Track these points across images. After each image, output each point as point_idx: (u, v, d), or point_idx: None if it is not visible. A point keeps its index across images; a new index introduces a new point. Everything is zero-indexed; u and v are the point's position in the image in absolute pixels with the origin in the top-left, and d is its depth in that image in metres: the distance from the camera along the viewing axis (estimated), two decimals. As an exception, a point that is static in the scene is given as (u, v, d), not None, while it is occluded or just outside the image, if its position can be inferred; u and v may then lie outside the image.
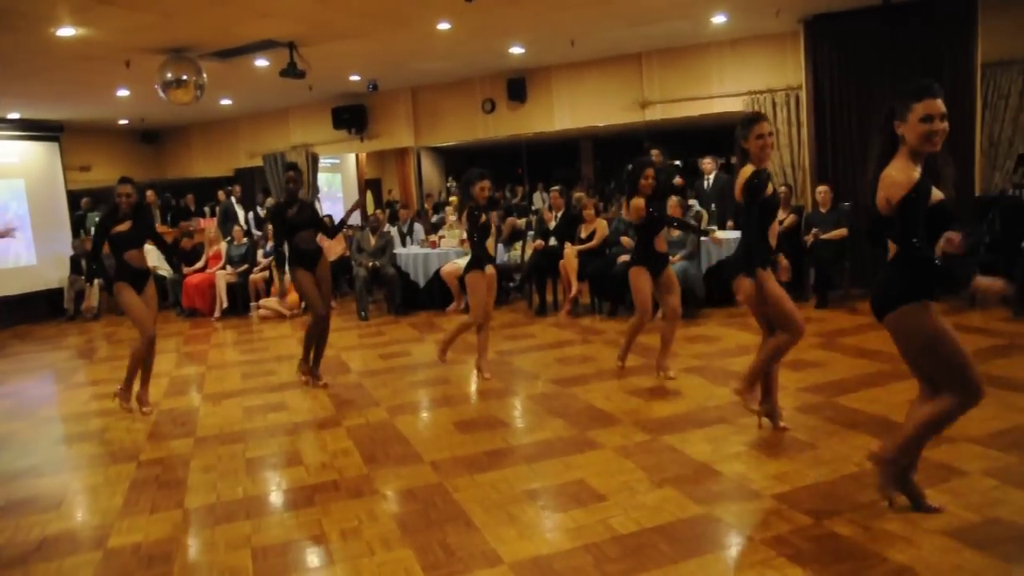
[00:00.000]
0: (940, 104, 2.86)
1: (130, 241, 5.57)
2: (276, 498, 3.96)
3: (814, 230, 8.32)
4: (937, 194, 2.91)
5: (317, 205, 13.34)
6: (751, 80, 9.90)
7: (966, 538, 2.95)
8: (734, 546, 3.10)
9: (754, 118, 4.13)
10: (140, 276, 5.63)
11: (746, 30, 9.67)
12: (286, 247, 5.95)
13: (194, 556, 3.35)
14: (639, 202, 5.43)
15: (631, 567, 2.91)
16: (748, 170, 4.06)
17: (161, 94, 8.30)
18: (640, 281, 5.59)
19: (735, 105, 10.03)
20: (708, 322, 7.70)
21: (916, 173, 2.87)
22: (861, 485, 3.50)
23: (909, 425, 3.09)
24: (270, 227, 11.02)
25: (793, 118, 9.56)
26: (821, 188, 8.50)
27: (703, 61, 10.35)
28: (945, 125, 2.87)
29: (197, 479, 4.25)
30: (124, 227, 5.54)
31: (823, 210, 8.39)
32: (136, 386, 5.70)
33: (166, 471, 4.44)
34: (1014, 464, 3.57)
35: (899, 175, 2.87)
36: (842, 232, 8.19)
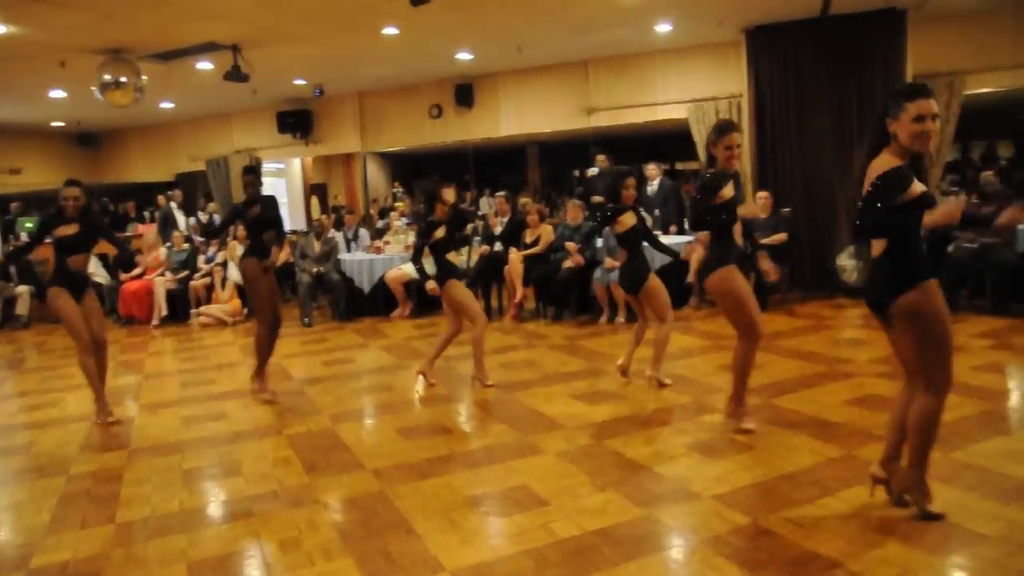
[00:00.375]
0: (933, 105, 2.95)
1: (76, 246, 5.37)
2: (214, 510, 3.86)
3: (754, 235, 8.47)
4: (919, 187, 2.99)
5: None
6: (694, 88, 10.08)
7: (891, 531, 3.04)
8: (674, 547, 3.13)
9: (726, 127, 4.23)
10: (79, 282, 5.45)
11: (690, 39, 9.84)
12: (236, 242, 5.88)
13: (125, 573, 3.24)
14: (628, 219, 5.35)
15: (572, 571, 2.92)
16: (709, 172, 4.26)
17: (98, 96, 8.08)
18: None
19: (679, 112, 10.20)
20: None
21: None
22: (797, 484, 3.58)
23: (912, 436, 3.12)
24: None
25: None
26: (761, 194, 8.68)
27: (648, 69, 10.50)
28: (936, 125, 2.96)
29: (130, 492, 4.12)
30: (70, 230, 5.34)
31: (763, 216, 8.55)
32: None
33: (98, 485, 4.30)
34: (937, 459, 3.67)
35: (882, 168, 2.98)
36: (782, 237, 8.37)
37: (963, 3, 8.68)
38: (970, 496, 3.30)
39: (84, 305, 5.43)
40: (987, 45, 9.00)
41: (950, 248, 7.30)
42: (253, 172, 6.00)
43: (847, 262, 8.77)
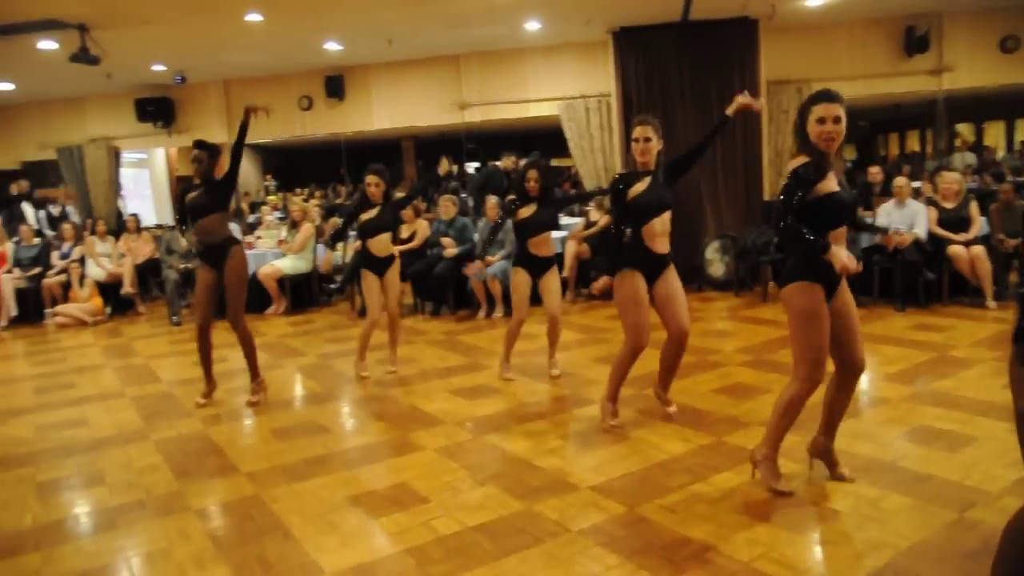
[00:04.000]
0: (834, 108, 3.14)
1: None
2: (73, 524, 3.63)
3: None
4: (830, 186, 3.17)
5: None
6: (565, 86, 10.28)
7: (756, 513, 3.25)
8: (553, 539, 3.20)
9: (635, 121, 4.31)
10: None
11: (559, 37, 10.03)
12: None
13: (-27, 596, 3.02)
14: (525, 211, 5.37)
15: (454, 567, 2.94)
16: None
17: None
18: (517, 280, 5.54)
19: (550, 110, 10.39)
20: (528, 320, 7.86)
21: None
22: (669, 472, 3.75)
23: (772, 415, 3.44)
24: (65, 227, 10.15)
25: (605, 123, 10.02)
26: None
27: (519, 66, 10.63)
28: (837, 127, 3.15)
29: (-24, 509, 3.83)
30: None
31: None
32: None
33: (-62, 502, 3.96)
34: (797, 443, 3.94)
35: (793, 165, 3.20)
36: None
37: (807, 17, 9.37)
38: (824, 475, 3.55)
39: None
40: (828, 57, 9.85)
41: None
42: (203, 146, 5.38)
43: (713, 256, 9.22)
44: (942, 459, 3.71)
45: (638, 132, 4.23)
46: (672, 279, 4.36)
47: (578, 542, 3.11)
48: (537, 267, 5.48)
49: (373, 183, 5.80)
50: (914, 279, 7.36)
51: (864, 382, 5.29)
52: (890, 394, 4.82)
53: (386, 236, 5.94)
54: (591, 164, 10.15)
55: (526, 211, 5.39)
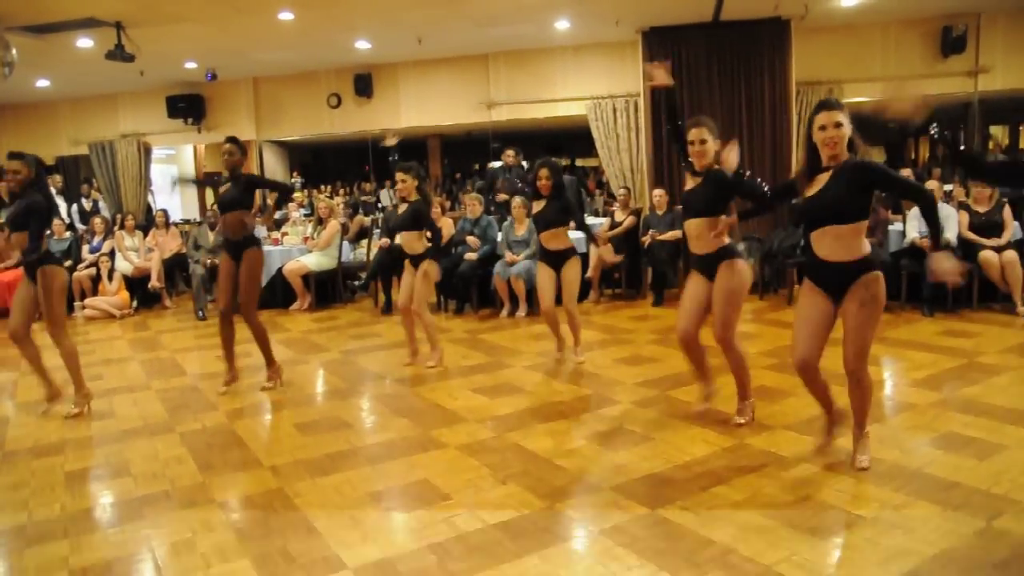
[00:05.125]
0: (834, 115, 3.34)
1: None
2: (99, 513, 3.68)
3: (651, 231, 8.73)
4: (806, 193, 3.47)
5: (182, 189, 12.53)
6: (593, 86, 10.26)
7: (780, 517, 3.21)
8: (574, 538, 3.20)
9: (689, 123, 4.48)
10: None
11: (588, 37, 10.01)
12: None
13: (2, 581, 3.07)
14: (535, 207, 5.87)
15: (475, 565, 2.94)
16: None
17: (-39, 70, 7.53)
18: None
19: (578, 109, 10.37)
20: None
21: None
22: (692, 474, 3.72)
23: None
24: (95, 221, 10.31)
25: (632, 123, 9.99)
26: (657, 191, 8.93)
27: (548, 65, 10.63)
28: (838, 132, 3.33)
29: (3, 498, 3.88)
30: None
31: (659, 212, 8.82)
32: None
33: (-32, 489, 4.04)
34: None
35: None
36: (677, 234, 8.62)
37: (840, 17, 9.25)
38: (851, 481, 3.51)
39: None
40: (861, 57, 9.71)
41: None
42: (232, 141, 5.58)
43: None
44: (969, 467, 3.65)
45: (693, 135, 4.29)
46: (715, 281, 4.25)
47: (599, 542, 3.09)
48: (553, 260, 5.86)
49: (399, 180, 5.94)
50: (943, 284, 7.25)
51: (890, 387, 5.23)
52: (917, 400, 4.76)
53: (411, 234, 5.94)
54: (618, 164, 10.12)
55: (535, 207, 5.83)
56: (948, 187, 9.33)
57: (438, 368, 6.02)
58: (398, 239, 6.16)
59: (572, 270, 5.85)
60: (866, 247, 3.41)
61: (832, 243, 3.39)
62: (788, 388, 5.07)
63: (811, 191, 3.43)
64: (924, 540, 2.95)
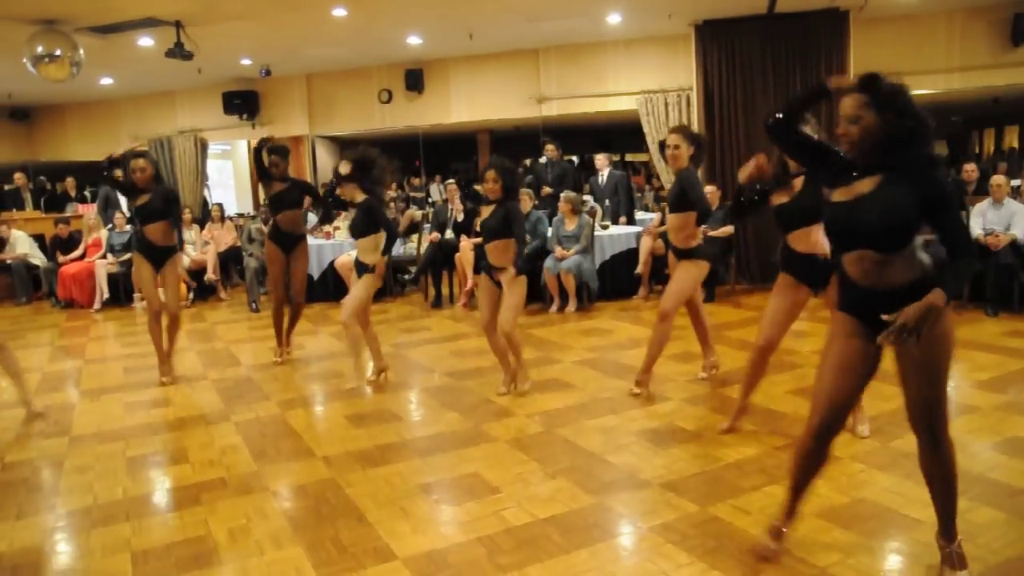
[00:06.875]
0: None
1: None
2: (159, 498, 3.79)
3: (703, 227, 8.60)
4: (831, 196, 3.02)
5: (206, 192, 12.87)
6: (644, 80, 10.16)
7: (835, 518, 3.15)
8: (624, 534, 3.18)
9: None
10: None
11: (640, 31, 9.91)
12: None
13: (66, 563, 3.17)
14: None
15: (524, 558, 2.95)
16: None
17: (31, 69, 7.76)
18: None
19: (629, 104, 10.29)
20: (601, 315, 7.86)
21: None
22: (743, 472, 3.67)
23: None
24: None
25: (684, 118, 9.86)
26: (709, 188, 8.80)
27: (599, 59, 10.55)
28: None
29: (71, 481, 4.02)
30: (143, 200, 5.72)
31: (712, 209, 8.68)
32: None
33: (35, 473, 4.18)
34: (877, 448, 3.82)
35: None
36: (728, 230, 8.51)
37: (901, 7, 8.98)
38: (907, 484, 3.42)
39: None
40: (923, 48, 9.37)
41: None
42: (277, 152, 6.23)
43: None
44: (1037, 472, 3.53)
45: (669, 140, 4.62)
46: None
47: (649, 539, 3.07)
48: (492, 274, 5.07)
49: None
50: (1008, 283, 7.02)
51: (951, 389, 5.07)
52: (980, 402, 4.61)
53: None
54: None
55: (485, 212, 5.02)
56: (1016, 182, 9.01)
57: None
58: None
59: (513, 291, 4.94)
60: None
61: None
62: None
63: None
64: (987, 548, 2.86)
